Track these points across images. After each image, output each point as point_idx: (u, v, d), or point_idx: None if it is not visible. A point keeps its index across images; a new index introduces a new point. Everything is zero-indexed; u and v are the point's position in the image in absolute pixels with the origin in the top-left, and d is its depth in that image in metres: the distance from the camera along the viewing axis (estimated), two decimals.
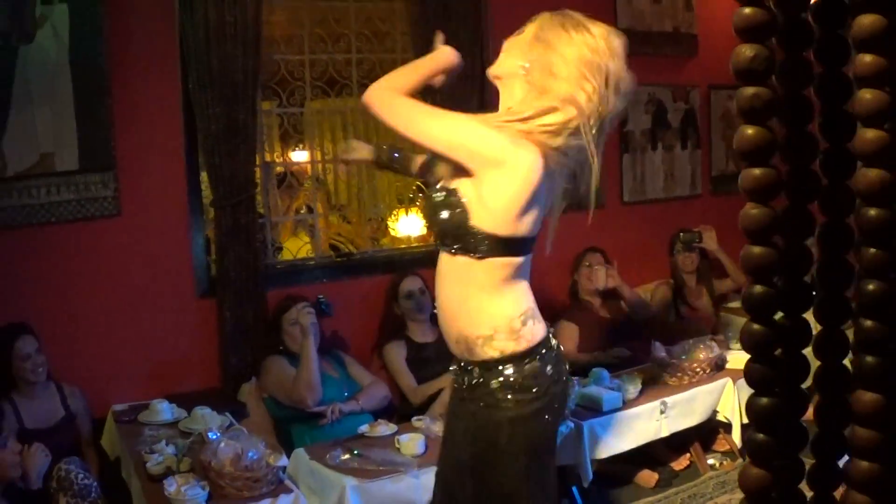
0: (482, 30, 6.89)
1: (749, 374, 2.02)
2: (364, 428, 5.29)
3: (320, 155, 7.33)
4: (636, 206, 8.24)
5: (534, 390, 3.22)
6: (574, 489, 5.70)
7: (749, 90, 1.89)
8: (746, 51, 1.90)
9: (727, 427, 6.36)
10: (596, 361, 6.54)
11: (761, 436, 2.05)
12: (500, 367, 3.22)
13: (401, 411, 6.13)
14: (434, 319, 6.44)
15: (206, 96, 5.83)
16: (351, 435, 5.27)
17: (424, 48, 6.49)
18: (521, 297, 3.29)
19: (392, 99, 3.20)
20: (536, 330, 3.29)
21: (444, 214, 3.19)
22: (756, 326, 2.02)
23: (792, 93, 2.05)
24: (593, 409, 5.63)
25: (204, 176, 6.13)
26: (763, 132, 1.92)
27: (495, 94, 6.46)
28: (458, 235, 3.17)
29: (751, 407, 2.04)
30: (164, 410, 5.36)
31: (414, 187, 7.64)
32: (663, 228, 8.03)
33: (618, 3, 7.68)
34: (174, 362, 6.01)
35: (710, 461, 6.50)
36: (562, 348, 3.43)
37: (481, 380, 3.25)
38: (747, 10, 1.89)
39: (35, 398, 5.22)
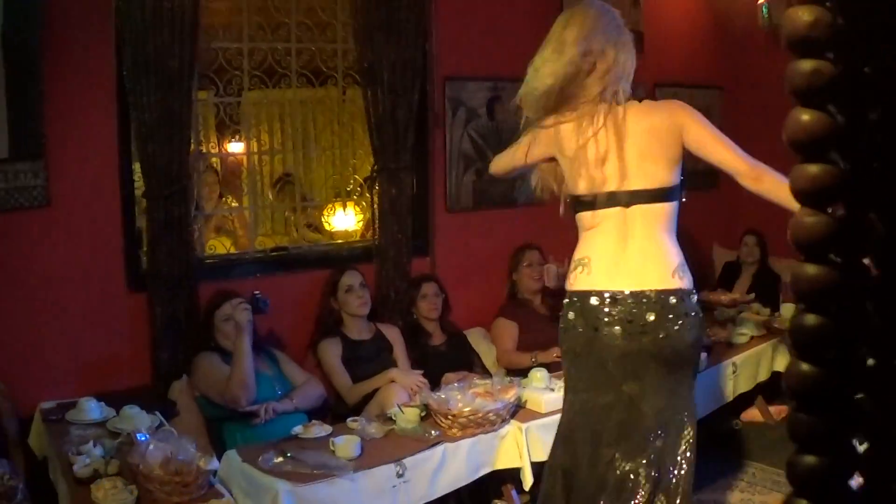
0: (426, 20, 6.88)
1: (795, 428, 1.68)
2: (298, 429, 5.26)
3: (256, 146, 7.25)
4: None
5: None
6: (514, 493, 5.68)
7: (806, 65, 1.60)
8: (804, 14, 1.58)
9: None
10: (536, 362, 6.55)
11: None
12: None
13: (335, 411, 6.10)
14: (370, 317, 6.43)
15: (142, 84, 5.72)
16: (285, 436, 5.23)
17: (366, 39, 6.49)
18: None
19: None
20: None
21: None
22: (806, 367, 1.67)
23: (851, 70, 1.66)
24: (534, 410, 5.63)
25: (137, 166, 6.02)
26: (823, 119, 1.61)
27: (440, 85, 6.46)
28: None
29: (794, 469, 1.74)
30: (92, 409, 5.27)
31: (352, 181, 7.59)
32: None
33: None
34: (104, 359, 5.92)
35: None
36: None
37: None
38: None
39: None
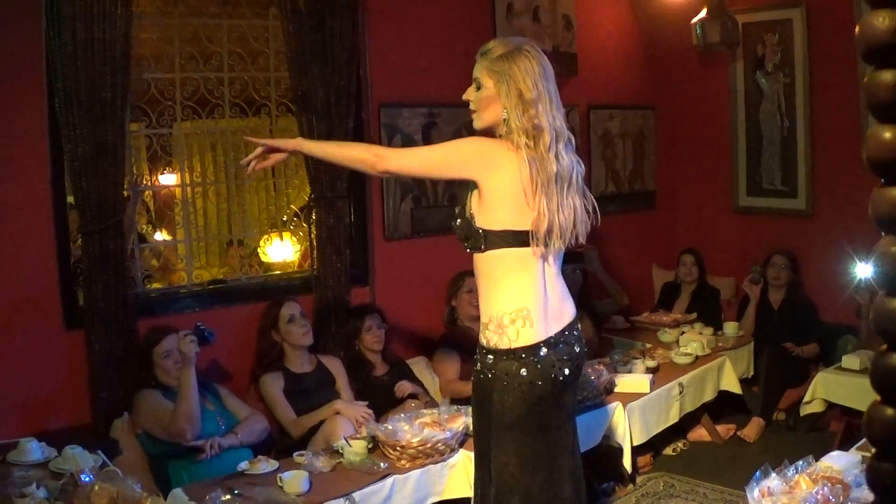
0: (359, 47, 6.93)
1: (877, 478, 1.46)
2: (244, 465, 5.26)
3: (189, 178, 7.22)
4: None
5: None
6: None
7: (889, 76, 1.41)
8: (883, 20, 1.40)
9: (618, 452, 6.47)
10: None
11: None
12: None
13: (279, 445, 6.11)
14: (311, 349, 6.41)
15: (74, 116, 5.71)
16: (231, 472, 5.24)
17: (299, 67, 6.49)
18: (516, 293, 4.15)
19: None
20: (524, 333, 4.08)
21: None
22: (891, 412, 1.42)
23: None
24: None
25: (71, 200, 5.98)
26: None
27: (374, 112, 6.49)
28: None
29: None
30: (33, 450, 5.19)
31: (289, 210, 7.59)
32: None
33: (497, 22, 7.78)
34: (42, 398, 5.84)
35: (603, 486, 6.64)
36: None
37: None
38: None
39: None
